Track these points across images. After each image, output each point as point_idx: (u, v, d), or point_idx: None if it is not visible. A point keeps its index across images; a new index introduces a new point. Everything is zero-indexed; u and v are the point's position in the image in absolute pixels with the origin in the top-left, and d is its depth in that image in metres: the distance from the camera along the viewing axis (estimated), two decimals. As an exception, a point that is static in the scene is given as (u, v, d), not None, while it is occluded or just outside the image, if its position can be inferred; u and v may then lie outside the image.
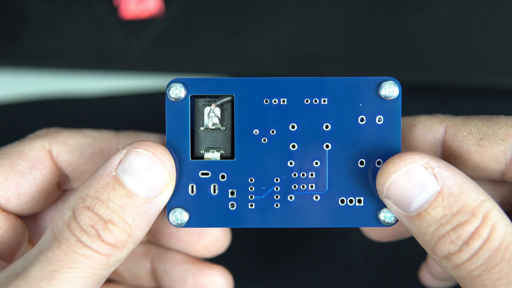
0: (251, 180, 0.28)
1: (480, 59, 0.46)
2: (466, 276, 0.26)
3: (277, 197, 0.28)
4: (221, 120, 0.28)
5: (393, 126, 0.28)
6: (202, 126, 0.28)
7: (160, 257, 0.34)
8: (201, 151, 0.28)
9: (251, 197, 0.28)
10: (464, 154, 0.30)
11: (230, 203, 0.28)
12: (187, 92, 0.28)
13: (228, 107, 0.28)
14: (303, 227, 0.29)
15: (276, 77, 0.27)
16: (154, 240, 0.34)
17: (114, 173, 0.27)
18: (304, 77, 0.27)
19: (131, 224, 0.26)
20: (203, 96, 0.28)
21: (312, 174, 0.28)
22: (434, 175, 0.26)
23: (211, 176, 0.28)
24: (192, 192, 0.28)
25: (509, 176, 0.30)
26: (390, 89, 0.28)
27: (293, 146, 0.28)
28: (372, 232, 0.35)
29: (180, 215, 0.28)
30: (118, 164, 0.27)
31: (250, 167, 0.28)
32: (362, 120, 0.28)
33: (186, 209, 0.28)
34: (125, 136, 0.32)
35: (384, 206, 0.28)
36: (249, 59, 0.47)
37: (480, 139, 0.29)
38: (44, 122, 0.35)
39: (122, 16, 0.48)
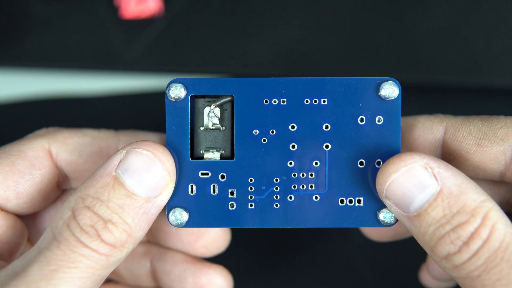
0: (251, 180, 0.28)
1: (480, 59, 0.46)
2: (466, 277, 0.26)
3: (276, 197, 0.28)
4: (221, 120, 0.28)
5: (393, 126, 0.28)
6: (202, 126, 0.28)
7: (159, 257, 0.34)
8: (201, 151, 0.28)
9: (251, 197, 0.28)
10: (463, 154, 0.30)
11: (230, 203, 0.28)
12: (187, 92, 0.28)
13: (228, 107, 0.28)
14: (302, 227, 0.29)
15: (276, 78, 0.27)
16: (154, 239, 0.34)
17: (114, 173, 0.27)
18: (303, 77, 0.27)
19: (131, 224, 0.26)
20: (203, 96, 0.28)
21: (311, 174, 0.28)
22: (434, 176, 0.27)
23: (210, 176, 0.28)
24: (192, 192, 0.28)
25: (508, 176, 0.30)
26: (390, 90, 0.28)
27: (293, 147, 0.28)
28: (371, 232, 0.35)
29: (180, 215, 0.28)
30: (118, 164, 0.27)
31: (250, 167, 0.28)
32: (362, 120, 0.28)
33: (186, 209, 0.28)
34: (124, 136, 0.32)
35: (384, 206, 0.28)
36: (249, 59, 0.47)
37: (479, 139, 0.29)
38: (44, 122, 0.35)
39: (122, 16, 0.48)
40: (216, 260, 0.34)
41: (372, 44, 0.47)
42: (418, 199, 0.26)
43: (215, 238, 0.34)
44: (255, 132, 0.28)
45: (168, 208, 0.28)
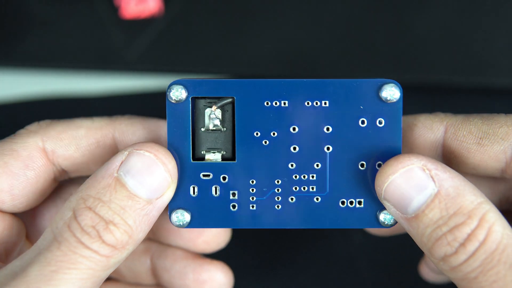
0: (252, 182, 0.28)
1: (480, 59, 0.46)
2: (463, 278, 0.26)
3: (278, 198, 0.29)
4: (222, 121, 0.28)
5: (394, 128, 0.28)
6: (203, 127, 0.28)
7: (160, 254, 0.34)
8: (202, 152, 0.28)
9: (252, 198, 0.28)
10: (464, 153, 0.30)
11: (232, 204, 0.28)
12: (188, 94, 0.28)
13: (229, 108, 0.28)
14: (303, 228, 0.29)
15: (277, 79, 0.27)
16: (155, 237, 0.34)
17: (115, 174, 0.27)
18: (305, 79, 0.27)
19: (132, 226, 0.26)
20: (204, 98, 0.28)
21: (313, 176, 0.28)
22: (432, 177, 0.27)
23: (212, 177, 0.28)
24: (194, 193, 0.28)
25: (509, 173, 0.30)
26: (391, 92, 0.28)
27: (294, 148, 0.28)
28: (372, 228, 0.35)
29: (182, 216, 0.28)
30: (120, 165, 0.27)
31: (251, 169, 0.28)
32: (363, 122, 0.28)
33: (187, 210, 0.28)
34: (120, 123, 0.31)
35: (384, 208, 0.29)
36: (249, 59, 0.47)
37: (480, 138, 0.29)
38: (44, 122, 0.35)
39: (122, 16, 0.48)
40: (216, 260, 0.34)
41: (372, 44, 0.47)
42: (415, 200, 0.27)
43: (216, 234, 0.34)
44: (256, 134, 0.28)
45: (170, 209, 0.28)
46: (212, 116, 0.28)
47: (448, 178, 0.27)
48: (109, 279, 0.35)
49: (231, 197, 0.28)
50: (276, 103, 0.27)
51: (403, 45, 0.47)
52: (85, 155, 0.31)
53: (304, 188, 0.29)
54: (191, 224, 0.28)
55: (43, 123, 0.31)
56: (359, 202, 0.29)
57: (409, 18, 0.46)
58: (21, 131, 0.31)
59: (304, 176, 0.28)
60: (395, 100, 0.28)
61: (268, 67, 0.47)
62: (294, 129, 0.28)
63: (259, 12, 0.47)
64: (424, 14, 0.46)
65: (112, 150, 0.31)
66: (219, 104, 0.28)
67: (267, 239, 0.42)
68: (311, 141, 0.28)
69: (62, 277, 0.25)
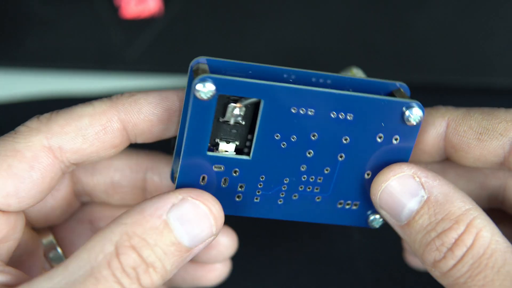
0: (262, 177, 0.28)
1: (480, 59, 0.46)
2: (453, 284, 0.26)
3: (282, 194, 0.29)
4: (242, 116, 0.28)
5: (407, 147, 0.29)
6: (222, 117, 0.28)
7: None
8: (216, 140, 0.28)
9: (258, 192, 0.28)
10: (464, 147, 0.30)
11: (237, 195, 0.28)
12: (216, 92, 0.26)
13: (250, 104, 0.27)
14: (295, 220, 0.29)
15: (310, 88, 0.26)
16: None
17: (165, 217, 0.26)
18: (337, 92, 0.27)
19: (169, 271, 0.26)
20: None
21: (320, 179, 0.29)
22: (422, 184, 0.28)
23: (224, 170, 0.28)
24: (203, 181, 0.28)
25: (507, 166, 0.30)
26: (415, 116, 0.28)
27: (309, 153, 0.28)
28: None
29: None
30: (171, 208, 0.26)
31: (264, 167, 0.28)
32: (380, 137, 0.28)
33: None
34: (123, 104, 0.29)
35: (376, 211, 0.30)
36: (249, 59, 0.47)
37: (479, 133, 0.29)
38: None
39: (122, 16, 0.48)
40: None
41: (372, 44, 0.47)
42: (407, 207, 0.28)
43: (225, 246, 0.34)
44: (277, 136, 0.27)
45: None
46: (236, 113, 0.27)
47: (438, 185, 0.28)
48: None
49: (238, 189, 0.28)
50: (302, 110, 0.27)
51: (403, 45, 0.47)
52: (93, 144, 0.29)
53: (309, 188, 0.29)
54: None
55: (43, 118, 0.29)
56: (355, 205, 0.30)
57: (409, 18, 0.46)
58: (21, 128, 0.29)
59: (312, 178, 0.29)
60: (416, 123, 0.28)
61: (268, 67, 0.47)
62: (314, 135, 0.27)
63: (259, 12, 0.47)
64: (424, 14, 0.46)
65: (120, 133, 0.29)
66: (245, 102, 0.27)
67: (267, 239, 0.42)
68: (327, 149, 0.28)
69: None
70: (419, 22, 0.46)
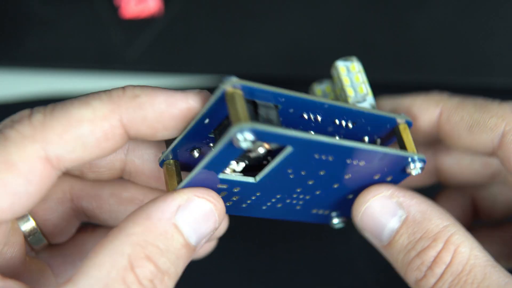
0: (258, 193, 0.28)
1: (480, 59, 0.46)
2: None
3: (269, 203, 0.29)
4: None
5: (396, 182, 0.30)
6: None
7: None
8: None
9: (249, 201, 0.28)
10: (455, 137, 0.31)
11: (228, 202, 0.28)
12: (255, 139, 0.25)
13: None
14: (273, 218, 0.30)
15: (339, 143, 0.27)
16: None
17: (173, 220, 0.25)
18: (360, 147, 0.27)
19: (179, 273, 0.25)
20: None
21: (308, 196, 0.29)
22: (400, 204, 0.28)
23: (226, 188, 0.27)
24: None
25: (496, 157, 0.31)
26: (416, 170, 0.29)
27: (311, 181, 0.28)
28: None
29: None
30: (177, 209, 0.26)
31: (264, 188, 0.28)
32: (377, 176, 0.29)
33: None
34: (126, 108, 0.27)
35: (341, 214, 0.32)
36: (249, 59, 0.47)
37: (470, 126, 0.30)
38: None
39: (122, 16, 0.48)
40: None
41: (372, 44, 0.47)
42: (387, 227, 0.28)
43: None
44: (289, 170, 0.27)
45: None
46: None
47: (415, 204, 0.28)
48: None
49: (232, 198, 0.28)
50: (324, 157, 0.27)
51: (403, 45, 0.47)
52: (93, 152, 0.26)
53: (294, 201, 0.29)
54: None
55: (35, 121, 0.25)
56: (326, 212, 0.31)
57: (409, 18, 0.46)
58: (12, 133, 0.25)
59: (301, 196, 0.29)
60: (414, 174, 0.29)
61: (268, 67, 0.47)
62: (322, 172, 0.28)
63: (259, 12, 0.47)
64: (424, 14, 0.46)
65: (121, 137, 0.27)
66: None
67: (267, 239, 0.42)
68: (328, 180, 0.28)
69: None
70: (419, 22, 0.46)
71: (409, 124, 0.30)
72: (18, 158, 0.25)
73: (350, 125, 0.29)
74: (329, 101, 0.28)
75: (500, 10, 0.46)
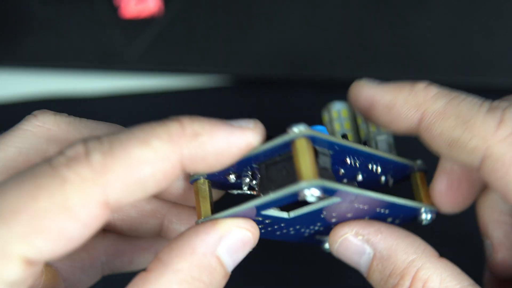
0: (283, 224, 0.28)
1: (480, 59, 0.46)
2: None
3: (285, 231, 0.29)
4: None
5: (400, 224, 0.30)
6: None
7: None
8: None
9: (270, 228, 0.28)
10: (435, 148, 0.28)
11: None
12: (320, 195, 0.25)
13: None
14: (283, 241, 0.30)
15: (379, 198, 0.27)
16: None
17: (217, 253, 0.25)
18: (390, 200, 0.28)
19: None
20: None
21: (322, 228, 0.30)
22: (367, 241, 0.28)
23: (261, 220, 0.27)
24: None
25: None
26: (427, 221, 0.29)
27: (334, 219, 0.29)
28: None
29: None
30: (220, 241, 0.26)
31: (291, 222, 0.28)
32: (389, 219, 0.30)
33: None
34: (187, 147, 0.25)
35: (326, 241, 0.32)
36: (249, 59, 0.47)
37: (450, 143, 0.27)
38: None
39: (122, 16, 0.48)
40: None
41: (372, 44, 0.47)
42: (361, 265, 0.28)
43: None
44: (324, 213, 0.28)
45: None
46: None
47: (380, 240, 0.28)
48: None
49: (259, 225, 0.28)
50: (359, 205, 0.28)
51: (403, 45, 0.47)
52: (151, 192, 0.25)
53: (307, 230, 0.30)
54: None
55: (95, 162, 0.23)
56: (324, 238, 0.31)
57: (409, 18, 0.46)
58: (70, 176, 0.23)
59: (317, 227, 0.30)
60: (423, 224, 0.30)
61: (268, 67, 0.47)
62: (349, 214, 0.28)
63: (259, 12, 0.47)
64: (424, 14, 0.46)
65: (178, 175, 0.25)
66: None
67: (268, 240, 0.42)
68: (347, 219, 0.29)
69: None
70: (419, 22, 0.46)
71: (425, 171, 0.30)
72: (77, 202, 0.23)
73: (379, 169, 0.29)
74: (374, 151, 0.29)
75: (500, 10, 0.46)
